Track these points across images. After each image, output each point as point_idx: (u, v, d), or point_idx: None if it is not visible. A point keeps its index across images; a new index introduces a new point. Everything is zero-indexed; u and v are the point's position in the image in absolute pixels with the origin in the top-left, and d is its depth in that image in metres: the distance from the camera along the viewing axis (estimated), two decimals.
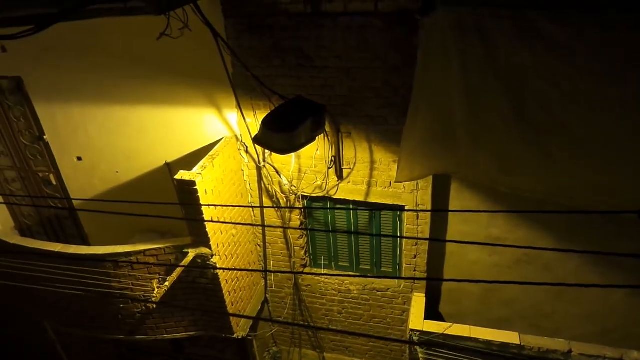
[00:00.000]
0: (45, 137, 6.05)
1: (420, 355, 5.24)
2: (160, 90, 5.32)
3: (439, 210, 5.22)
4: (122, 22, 4.84)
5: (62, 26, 3.84)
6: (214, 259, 5.06)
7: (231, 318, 5.58)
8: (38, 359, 7.72)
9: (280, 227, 5.89)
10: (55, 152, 6.18)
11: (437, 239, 5.39)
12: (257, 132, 4.29)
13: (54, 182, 6.41)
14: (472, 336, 4.96)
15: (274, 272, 6.22)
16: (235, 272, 5.52)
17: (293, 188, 5.49)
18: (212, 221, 4.91)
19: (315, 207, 5.76)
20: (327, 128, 4.81)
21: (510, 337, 4.91)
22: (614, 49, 3.34)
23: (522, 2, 3.40)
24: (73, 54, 5.33)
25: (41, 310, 6.23)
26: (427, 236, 5.32)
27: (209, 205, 4.82)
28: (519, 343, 4.84)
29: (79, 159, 6.14)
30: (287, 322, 6.77)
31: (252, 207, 5.84)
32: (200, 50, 4.59)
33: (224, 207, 5.16)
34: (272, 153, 5.21)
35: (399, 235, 5.56)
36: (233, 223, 5.39)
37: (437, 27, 3.64)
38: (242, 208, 5.65)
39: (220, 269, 5.10)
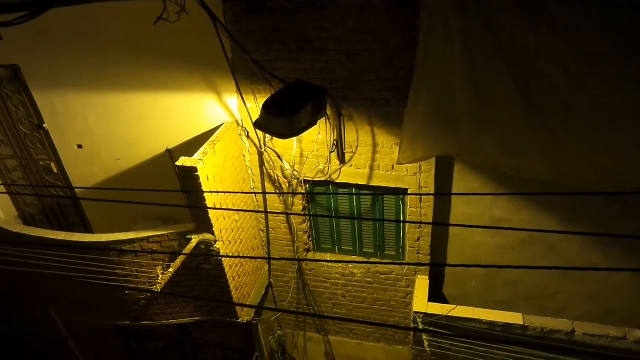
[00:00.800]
0: (44, 125, 6.02)
1: (424, 336, 5.28)
2: (159, 76, 5.26)
3: (442, 193, 5.20)
4: (118, 6, 4.77)
5: (59, 12, 3.80)
6: (218, 245, 5.06)
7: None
8: (45, 349, 7.80)
9: (283, 214, 5.88)
10: (55, 141, 6.15)
11: (440, 223, 5.38)
12: (257, 117, 4.25)
13: (55, 170, 6.40)
14: (476, 317, 4.98)
15: (277, 259, 6.23)
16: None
17: (295, 173, 5.47)
18: (214, 208, 4.90)
19: (318, 191, 5.75)
20: (329, 111, 4.77)
21: (513, 317, 4.92)
22: (618, 30, 3.28)
23: None
24: (70, 41, 5.26)
25: (46, 299, 6.27)
26: (431, 218, 5.31)
27: (211, 191, 4.81)
28: (522, 324, 4.87)
29: (80, 146, 6.11)
30: (290, 310, 6.78)
31: (254, 192, 5.83)
32: (199, 34, 4.52)
33: (227, 193, 5.15)
34: (274, 138, 5.17)
35: (402, 218, 5.55)
36: (236, 210, 5.38)
37: (439, 8, 3.58)
38: (244, 194, 5.64)
39: (223, 256, 5.11)
